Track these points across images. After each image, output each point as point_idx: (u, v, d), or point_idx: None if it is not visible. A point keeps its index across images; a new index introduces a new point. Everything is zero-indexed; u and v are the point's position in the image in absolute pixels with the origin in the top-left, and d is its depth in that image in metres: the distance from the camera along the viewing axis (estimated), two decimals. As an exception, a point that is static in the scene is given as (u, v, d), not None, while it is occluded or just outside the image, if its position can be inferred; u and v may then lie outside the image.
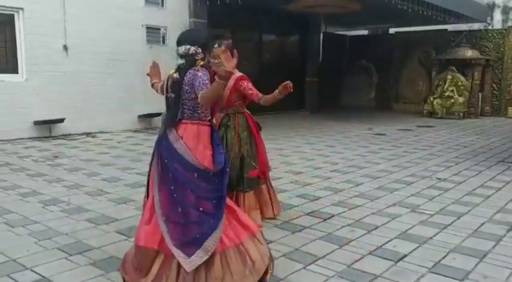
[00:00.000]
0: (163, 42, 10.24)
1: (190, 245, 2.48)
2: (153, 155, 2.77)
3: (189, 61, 2.63)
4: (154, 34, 10.05)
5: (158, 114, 10.06)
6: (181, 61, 2.65)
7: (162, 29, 10.16)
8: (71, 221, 3.91)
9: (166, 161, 2.59)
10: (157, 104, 10.02)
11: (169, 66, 10.64)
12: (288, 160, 6.69)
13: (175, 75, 2.65)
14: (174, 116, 2.63)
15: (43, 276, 2.86)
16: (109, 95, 9.36)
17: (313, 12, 12.60)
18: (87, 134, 8.88)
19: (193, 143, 2.59)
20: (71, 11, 8.59)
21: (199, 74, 2.57)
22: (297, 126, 10.86)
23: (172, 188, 2.55)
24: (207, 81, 2.55)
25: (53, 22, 8.41)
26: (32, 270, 2.94)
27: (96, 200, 4.55)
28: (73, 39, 8.68)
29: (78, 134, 8.81)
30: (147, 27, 9.89)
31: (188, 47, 2.62)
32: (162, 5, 10.16)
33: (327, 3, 11.01)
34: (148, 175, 2.80)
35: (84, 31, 8.83)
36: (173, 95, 2.66)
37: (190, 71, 2.60)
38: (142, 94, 9.90)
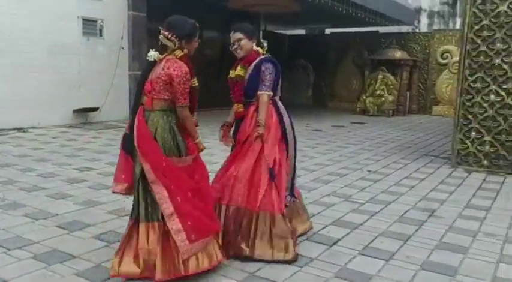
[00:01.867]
0: (101, 35, 9.99)
1: None
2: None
3: None
4: (90, 26, 9.78)
5: (94, 109, 9.83)
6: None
7: (99, 21, 9.90)
8: (7, 217, 3.80)
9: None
10: (93, 98, 9.82)
11: (106, 58, 10.37)
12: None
13: None
14: None
15: (-18, 272, 2.80)
16: (42, 88, 8.99)
17: (253, 11, 12.82)
18: (19, 129, 8.49)
19: None
20: (1, 1, 8.17)
21: None
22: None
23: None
24: None
25: (-20, 11, 7.97)
26: (-32, 266, 2.86)
27: (32, 196, 4.43)
28: (4, 31, 8.26)
29: (9, 129, 8.38)
30: (83, 19, 9.60)
31: None
32: (99, -3, 9.92)
33: (267, 2, 11.25)
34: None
35: (16, 23, 8.42)
36: None
37: None
38: (78, 88, 9.63)
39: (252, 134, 3.11)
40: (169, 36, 2.74)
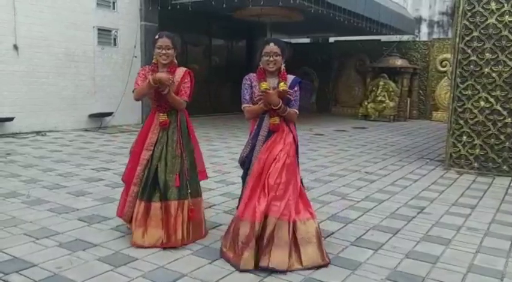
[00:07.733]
0: (115, 44, 10.49)
1: None
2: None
3: None
4: (105, 36, 10.28)
5: (109, 114, 10.30)
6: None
7: (114, 31, 10.40)
8: (33, 211, 4.19)
9: None
10: (108, 104, 10.29)
11: (120, 66, 10.87)
12: (235, 157, 7.20)
13: None
14: None
15: (15, 257, 3.15)
16: (60, 94, 9.49)
17: (259, 20, 13.24)
18: (37, 133, 8.96)
19: None
20: (21, 11, 8.68)
21: None
22: (243, 127, 11.39)
23: None
24: None
25: (1, 21, 8.46)
26: (3, 252, 3.21)
27: (54, 193, 4.84)
28: (24, 39, 8.77)
29: (28, 133, 8.87)
30: (99, 29, 10.10)
31: None
32: (114, 8, 10.41)
33: (271, 13, 11.67)
34: None
35: (35, 31, 8.94)
36: None
37: None
38: (93, 94, 10.12)
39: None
40: None
